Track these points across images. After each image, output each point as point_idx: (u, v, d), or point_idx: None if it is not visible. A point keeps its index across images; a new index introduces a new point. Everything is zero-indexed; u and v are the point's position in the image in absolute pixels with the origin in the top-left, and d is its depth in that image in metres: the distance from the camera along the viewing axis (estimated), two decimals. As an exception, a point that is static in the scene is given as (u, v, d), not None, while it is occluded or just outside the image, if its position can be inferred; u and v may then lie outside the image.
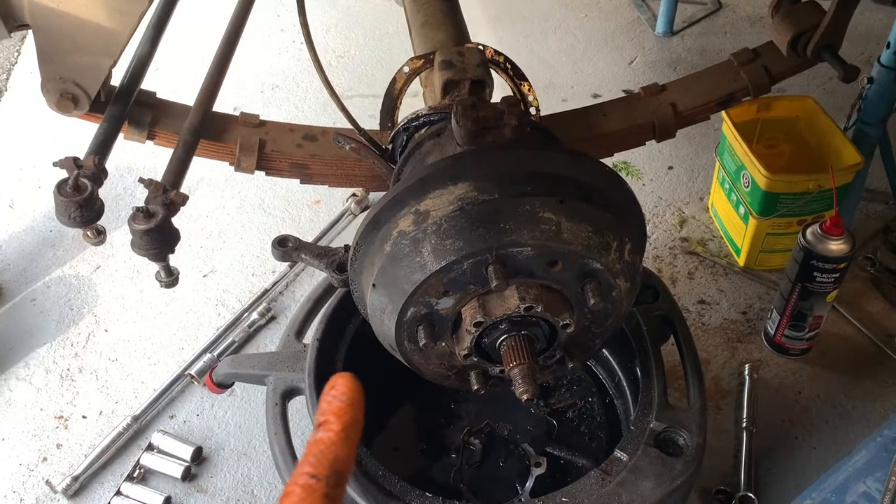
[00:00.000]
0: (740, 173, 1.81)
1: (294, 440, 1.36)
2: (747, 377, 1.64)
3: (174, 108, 1.51)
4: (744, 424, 1.56)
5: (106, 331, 1.88)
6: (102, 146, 1.33)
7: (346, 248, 1.37)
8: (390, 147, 1.39)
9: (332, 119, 2.44)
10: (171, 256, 1.31)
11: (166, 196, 1.25)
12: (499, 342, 1.15)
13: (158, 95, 1.50)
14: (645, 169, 2.19)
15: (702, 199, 2.10)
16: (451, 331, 1.17)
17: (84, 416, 1.71)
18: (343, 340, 1.50)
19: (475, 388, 1.22)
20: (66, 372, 1.79)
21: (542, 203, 1.06)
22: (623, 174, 2.18)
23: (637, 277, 1.18)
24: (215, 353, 1.77)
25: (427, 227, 1.07)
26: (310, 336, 1.49)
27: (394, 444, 1.57)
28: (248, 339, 1.83)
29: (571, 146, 1.58)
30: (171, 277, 1.37)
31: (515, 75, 1.50)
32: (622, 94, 2.51)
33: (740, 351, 1.73)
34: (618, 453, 1.30)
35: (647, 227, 2.01)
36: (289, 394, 1.44)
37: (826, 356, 1.70)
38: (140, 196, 2.22)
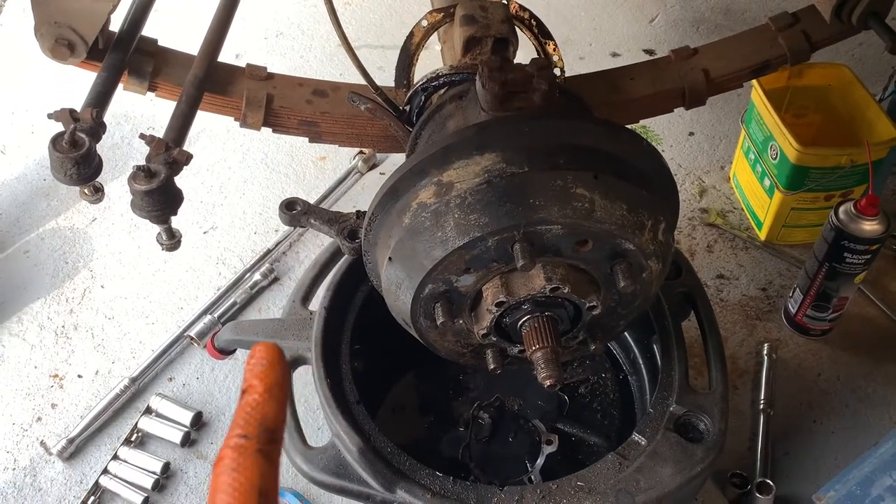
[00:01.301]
0: (768, 144, 1.73)
1: (298, 410, 1.31)
2: (766, 357, 1.59)
3: (177, 57, 1.42)
4: (761, 406, 1.52)
5: (102, 287, 1.81)
6: (101, 98, 1.24)
7: (358, 214, 1.30)
8: (407, 108, 1.31)
9: (340, 70, 2.35)
10: (173, 217, 1.24)
11: (169, 154, 1.18)
12: (520, 323, 1.09)
13: (161, 43, 1.41)
14: (664, 134, 2.10)
15: (723, 168, 2.02)
16: (471, 308, 1.11)
17: (80, 376, 1.65)
18: (351, 308, 1.44)
19: (492, 367, 1.16)
20: (61, 329, 1.73)
21: (575, 178, 0.99)
22: (642, 139, 2.09)
23: (669, 258, 1.11)
24: (216, 315, 1.71)
25: (450, 200, 1.00)
26: (316, 303, 1.43)
27: (400, 415, 1.52)
28: (251, 300, 1.77)
29: (597, 113, 1.50)
30: (173, 240, 1.30)
31: (541, 33, 1.41)
32: (642, 53, 2.42)
33: (759, 329, 1.67)
34: (636, 436, 1.25)
35: (666, 196, 1.94)
36: (294, 363, 1.38)
37: (847, 337, 1.65)
38: (138, 146, 2.13)
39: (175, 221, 1.92)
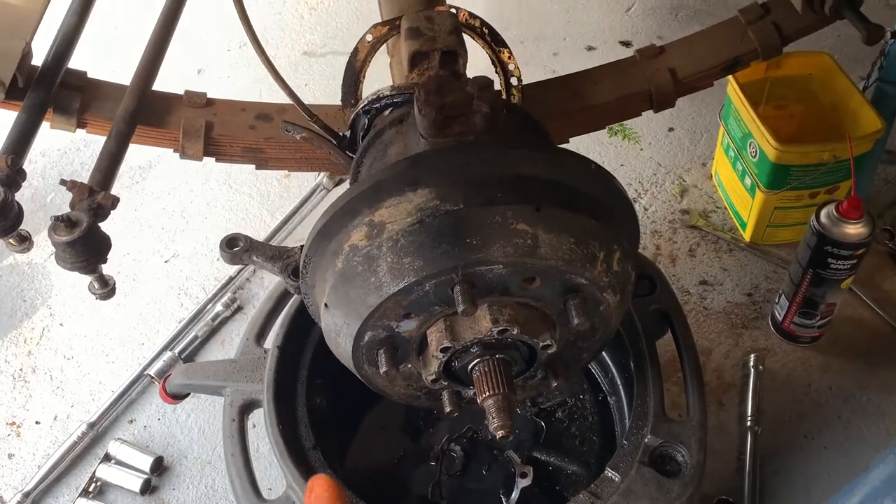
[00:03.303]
0: (747, 141, 1.64)
1: (254, 461, 1.24)
2: (752, 369, 1.51)
3: (108, 89, 1.34)
4: (748, 423, 1.44)
5: (61, 325, 1.75)
6: (19, 142, 1.16)
7: (302, 248, 1.22)
8: (349, 133, 1.23)
9: (306, 80, 2.27)
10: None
11: (93, 200, 1.10)
12: (470, 367, 1.01)
13: (91, 74, 1.33)
14: (643, 131, 2.01)
15: (704, 164, 1.93)
16: (417, 353, 1.03)
17: (37, 422, 1.59)
18: (309, 343, 1.36)
19: (448, 409, 1.08)
20: (19, 372, 1.67)
21: (515, 212, 0.91)
22: (619, 138, 2.01)
23: (629, 287, 1.03)
24: (176, 351, 1.63)
25: (382, 243, 0.92)
26: (270, 341, 1.36)
27: (368, 452, 1.45)
28: (213, 332, 1.70)
29: (558, 122, 1.41)
30: (106, 288, 1.22)
31: (493, 41, 1.32)
32: (619, 46, 2.33)
33: (745, 338, 1.59)
34: (609, 472, 1.18)
35: (645, 198, 1.85)
36: (247, 407, 1.31)
37: (839, 343, 1.57)
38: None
39: (136, 250, 1.85)
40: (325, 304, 0.99)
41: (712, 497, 1.34)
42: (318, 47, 2.40)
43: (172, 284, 1.79)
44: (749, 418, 1.44)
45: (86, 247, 1.07)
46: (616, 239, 0.98)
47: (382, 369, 0.99)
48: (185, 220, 1.93)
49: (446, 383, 1.04)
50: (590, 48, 2.29)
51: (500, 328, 0.95)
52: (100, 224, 1.09)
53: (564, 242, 0.92)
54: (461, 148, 0.97)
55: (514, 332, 0.95)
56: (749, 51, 1.40)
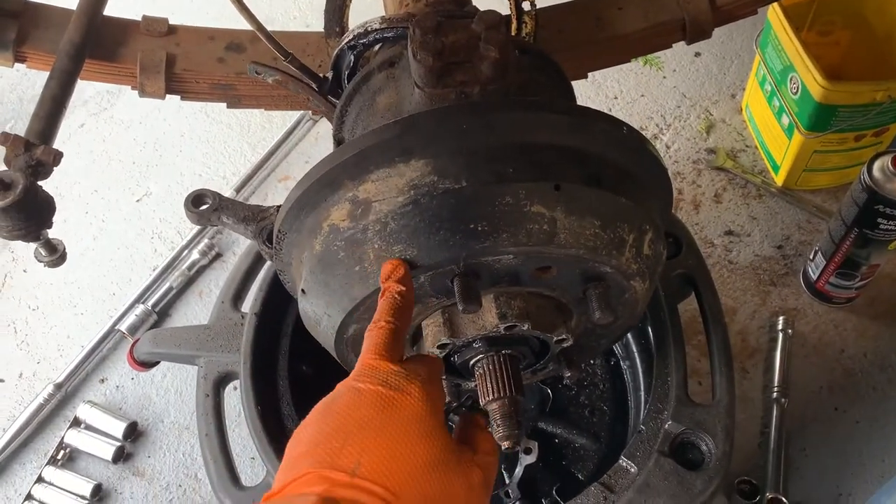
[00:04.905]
0: (787, 75, 1.44)
1: (234, 429, 1.12)
2: (780, 333, 1.37)
3: (52, 15, 1.14)
4: (774, 394, 1.31)
5: (25, 271, 1.60)
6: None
7: (279, 209, 1.06)
8: (331, 74, 1.04)
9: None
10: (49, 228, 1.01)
11: (30, 156, 0.94)
12: (472, 362, 0.87)
13: (30, -2, 1.13)
14: (666, 56, 1.80)
15: (734, 96, 1.73)
16: (411, 343, 0.89)
17: (1, 380, 1.47)
18: (290, 310, 1.22)
19: (446, 401, 0.95)
20: (-20, 324, 1.54)
21: (530, 191, 0.74)
22: (640, 63, 1.80)
23: (659, 268, 0.88)
24: (149, 304, 1.50)
25: (368, 226, 0.76)
26: (249, 304, 1.22)
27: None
28: (189, 283, 1.55)
29: (578, 54, 1.22)
30: (55, 255, 1.07)
31: (503, -41, 1.12)
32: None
33: (773, 297, 1.45)
34: (623, 462, 1.06)
35: (668, 135, 1.67)
36: (223, 380, 1.18)
37: (876, 304, 1.42)
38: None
39: (104, 187, 1.68)
40: (303, 290, 0.84)
41: (732, 477, 1.23)
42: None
43: (145, 227, 1.64)
44: (775, 389, 1.32)
45: (24, 212, 0.92)
46: (648, 217, 0.82)
47: (370, 365, 0.85)
48: (157, 154, 1.75)
49: (444, 377, 0.91)
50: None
51: (509, 323, 0.80)
52: (41, 182, 0.94)
53: (588, 227, 0.76)
54: (464, 108, 0.80)
55: (525, 327, 0.81)
56: (802, -27, 1.20)
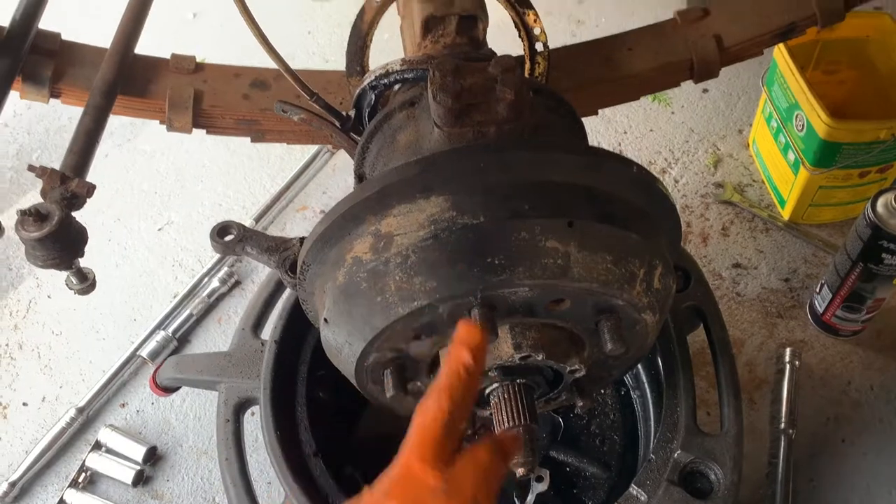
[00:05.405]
0: (793, 113, 1.48)
1: (252, 455, 1.15)
2: (787, 364, 1.40)
3: (86, 53, 1.19)
4: (782, 425, 1.33)
5: (49, 297, 1.64)
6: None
7: (303, 240, 1.10)
8: (353, 113, 1.09)
9: (309, 27, 2.09)
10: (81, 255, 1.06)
11: (66, 188, 0.99)
12: (488, 391, 0.90)
13: (64, 37, 1.19)
14: (674, 93, 1.84)
15: (741, 131, 1.78)
16: (428, 371, 0.92)
17: (25, 404, 1.50)
18: (308, 337, 1.25)
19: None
20: (5, 348, 1.57)
21: (545, 227, 0.78)
22: (648, 99, 1.85)
23: (669, 301, 0.91)
24: (170, 330, 1.53)
25: (389, 259, 0.80)
26: (269, 331, 1.25)
27: (374, 450, 1.35)
28: (209, 309, 1.59)
29: (588, 93, 1.27)
30: (84, 283, 1.12)
31: (518, 2, 1.17)
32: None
33: (780, 328, 1.47)
34: (634, 490, 1.08)
35: (676, 169, 1.71)
36: (243, 406, 1.22)
37: (882, 337, 1.45)
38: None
39: (128, 215, 1.72)
40: (326, 320, 0.88)
41: (742, 507, 1.25)
42: (319, -11, 2.22)
43: (166, 255, 1.68)
44: (783, 420, 1.34)
45: (59, 242, 0.96)
46: (658, 252, 0.86)
47: (389, 393, 0.88)
48: (179, 184, 1.80)
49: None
50: (618, -7, 2.11)
51: (524, 354, 0.84)
52: (74, 213, 0.99)
53: (600, 261, 0.80)
54: (482, 148, 0.84)
55: (539, 357, 0.84)
56: (806, 16, 1.24)
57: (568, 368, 0.88)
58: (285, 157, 1.83)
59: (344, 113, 1.08)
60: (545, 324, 0.85)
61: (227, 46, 2.05)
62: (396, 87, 1.09)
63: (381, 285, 0.80)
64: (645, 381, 1.32)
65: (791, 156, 1.52)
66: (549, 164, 0.81)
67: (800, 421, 1.35)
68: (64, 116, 1.93)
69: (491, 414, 0.92)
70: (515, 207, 0.79)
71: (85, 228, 1.01)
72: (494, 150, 0.82)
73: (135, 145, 1.88)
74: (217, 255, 1.65)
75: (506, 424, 0.86)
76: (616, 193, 0.83)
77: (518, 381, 0.88)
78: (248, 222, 1.70)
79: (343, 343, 0.88)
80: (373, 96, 1.09)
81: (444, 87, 0.87)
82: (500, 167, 0.80)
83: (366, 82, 1.07)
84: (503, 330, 0.84)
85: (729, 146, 1.75)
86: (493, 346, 0.85)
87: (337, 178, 1.78)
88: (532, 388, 0.90)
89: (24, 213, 0.93)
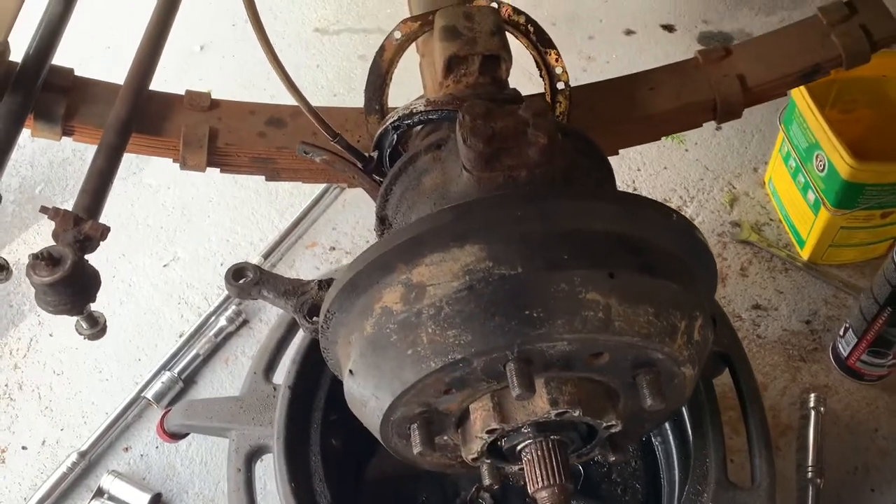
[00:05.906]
0: (813, 153, 1.47)
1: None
2: (812, 411, 1.36)
3: (99, 90, 1.16)
4: (809, 474, 1.29)
5: (51, 335, 1.60)
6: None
7: (320, 284, 1.06)
8: (376, 154, 1.06)
9: (317, 61, 2.08)
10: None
11: (79, 230, 0.95)
12: (520, 447, 0.86)
13: (78, 73, 1.16)
14: (688, 132, 1.83)
15: (756, 169, 1.76)
16: (456, 426, 0.88)
17: (24, 448, 1.45)
18: (322, 383, 1.21)
19: (488, 483, 0.94)
20: (5, 389, 1.52)
21: (585, 279, 0.75)
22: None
23: (706, 353, 0.88)
24: (175, 371, 1.49)
25: (422, 310, 0.76)
26: (281, 375, 1.21)
27: (385, 494, 1.31)
28: (216, 349, 1.55)
29: (609, 132, 1.24)
30: (95, 328, 1.07)
31: (540, 41, 1.16)
32: (660, 30, 2.13)
33: (803, 373, 1.44)
34: (664, 547, 1.04)
35: (692, 207, 1.69)
36: (255, 454, 1.17)
37: (909, 381, 1.42)
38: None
39: (133, 251, 1.68)
40: (351, 371, 0.84)
41: (770, 561, 1.20)
42: (331, 24, 2.20)
43: (172, 292, 1.64)
44: (810, 469, 1.30)
45: (71, 287, 0.92)
46: (698, 303, 0.83)
47: (416, 449, 0.84)
48: (185, 219, 1.77)
49: (488, 460, 0.90)
50: (629, 32, 2.10)
51: (560, 410, 0.80)
52: (87, 256, 0.95)
53: (642, 314, 0.76)
54: (518, 195, 0.81)
55: (576, 413, 0.81)
56: (831, 58, 1.23)
57: (604, 424, 0.84)
58: (294, 192, 1.80)
59: (366, 154, 1.05)
60: (581, 378, 0.82)
61: (234, 79, 2.06)
62: (419, 127, 1.06)
63: (412, 338, 0.77)
64: (668, 427, 1.28)
65: (811, 196, 1.50)
66: (587, 212, 0.78)
67: (827, 470, 1.31)
68: (68, 149, 1.90)
69: (520, 469, 0.89)
70: (554, 258, 0.76)
71: (98, 272, 0.97)
72: (531, 198, 0.79)
73: (140, 179, 1.85)
74: (224, 294, 1.61)
75: (539, 484, 0.82)
76: (655, 242, 0.80)
77: (552, 437, 0.84)
78: (256, 259, 1.66)
79: (369, 396, 0.84)
80: (395, 136, 1.06)
81: (474, 130, 0.84)
82: (538, 216, 0.77)
83: (388, 122, 1.05)
84: (539, 384, 0.80)
85: (744, 184, 1.73)
86: (527, 401, 0.81)
87: (347, 213, 1.75)
88: (566, 444, 0.86)
89: (35, 257, 0.89)
